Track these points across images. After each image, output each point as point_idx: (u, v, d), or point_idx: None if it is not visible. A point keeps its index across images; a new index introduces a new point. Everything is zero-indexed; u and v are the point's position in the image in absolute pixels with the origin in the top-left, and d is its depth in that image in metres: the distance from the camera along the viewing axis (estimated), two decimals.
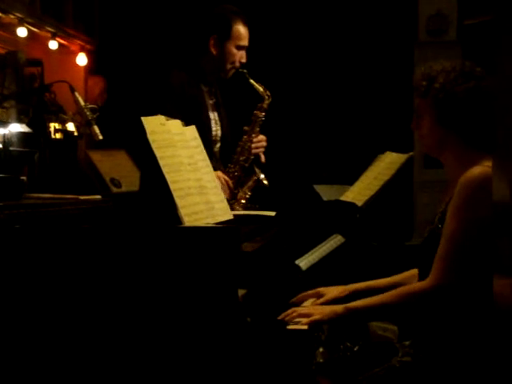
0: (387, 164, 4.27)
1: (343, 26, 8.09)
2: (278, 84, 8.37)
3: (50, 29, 7.89)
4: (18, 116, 6.72)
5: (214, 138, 4.05)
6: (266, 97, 3.95)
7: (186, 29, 4.43)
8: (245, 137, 3.92)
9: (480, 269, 2.35)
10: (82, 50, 8.51)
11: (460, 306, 2.37)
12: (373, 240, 4.27)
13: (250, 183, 3.87)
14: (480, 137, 2.49)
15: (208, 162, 2.77)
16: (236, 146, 3.93)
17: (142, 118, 2.46)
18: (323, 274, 3.38)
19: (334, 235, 3.92)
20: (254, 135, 3.92)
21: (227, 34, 3.85)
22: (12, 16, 7.26)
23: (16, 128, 6.07)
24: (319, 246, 3.64)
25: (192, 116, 3.73)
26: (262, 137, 3.96)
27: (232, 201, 3.75)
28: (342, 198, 4.26)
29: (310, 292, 2.67)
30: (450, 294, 2.35)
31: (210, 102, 4.00)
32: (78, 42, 8.48)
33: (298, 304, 2.63)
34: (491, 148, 2.46)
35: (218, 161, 4.07)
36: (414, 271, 2.72)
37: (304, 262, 3.25)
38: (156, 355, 2.11)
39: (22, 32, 7.36)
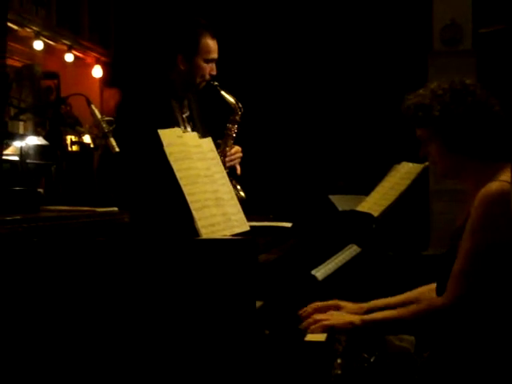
0: (403, 174, 4.26)
1: (358, 36, 8.10)
2: (296, 95, 8.42)
3: (65, 41, 7.96)
4: (35, 129, 6.78)
5: None
6: (238, 109, 3.90)
7: (154, 44, 4.36)
8: (218, 150, 3.87)
9: (497, 286, 2.33)
10: (98, 62, 8.57)
11: (477, 322, 2.35)
12: (389, 250, 4.26)
13: None
14: (492, 149, 2.46)
15: (224, 173, 2.77)
16: None
17: (159, 131, 2.47)
18: (339, 284, 3.37)
19: (350, 245, 3.91)
20: (227, 148, 3.87)
21: (195, 50, 3.77)
22: (28, 29, 7.32)
23: (33, 141, 6.14)
24: (335, 256, 3.63)
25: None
26: (236, 148, 3.90)
27: None
28: (358, 209, 4.25)
29: (328, 303, 2.65)
30: (467, 311, 2.32)
31: (183, 115, 3.93)
32: (94, 54, 8.54)
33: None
34: (507, 155, 2.45)
35: None
36: (430, 286, 2.71)
37: (320, 273, 3.24)
38: (174, 369, 2.12)
39: (38, 45, 7.43)
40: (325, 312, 2.56)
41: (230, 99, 3.88)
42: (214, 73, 3.82)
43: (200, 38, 3.74)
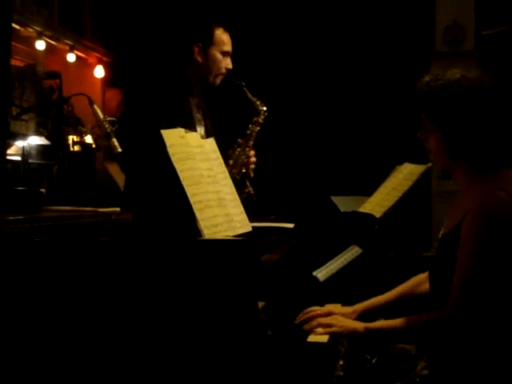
0: (405, 175, 4.26)
1: (361, 37, 8.10)
2: (298, 94, 8.42)
3: (68, 41, 7.96)
4: (37, 129, 6.78)
5: None
6: (263, 112, 3.92)
7: (168, 40, 4.37)
8: (238, 149, 3.87)
9: (500, 295, 2.32)
10: (100, 62, 8.57)
11: (480, 329, 2.34)
12: (391, 251, 4.25)
13: (242, 196, 3.84)
14: (490, 159, 2.42)
15: (227, 174, 2.77)
16: (227, 157, 3.88)
17: (162, 131, 2.47)
18: (341, 285, 3.37)
19: (352, 246, 3.90)
20: (247, 149, 3.89)
21: (209, 40, 3.81)
22: (30, 29, 7.33)
23: (35, 141, 6.14)
24: (337, 257, 3.63)
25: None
26: (253, 152, 3.93)
27: None
28: (360, 210, 4.24)
29: (321, 311, 2.63)
30: (470, 321, 2.31)
31: (198, 115, 3.95)
32: (96, 54, 8.54)
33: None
34: (503, 165, 2.42)
35: None
36: (420, 277, 2.70)
37: (322, 274, 3.24)
38: (177, 369, 2.11)
39: (40, 45, 7.43)
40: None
41: (256, 101, 3.90)
42: (230, 66, 3.84)
43: (214, 30, 3.78)
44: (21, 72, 7.14)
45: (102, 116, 3.45)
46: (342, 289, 3.24)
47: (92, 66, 8.55)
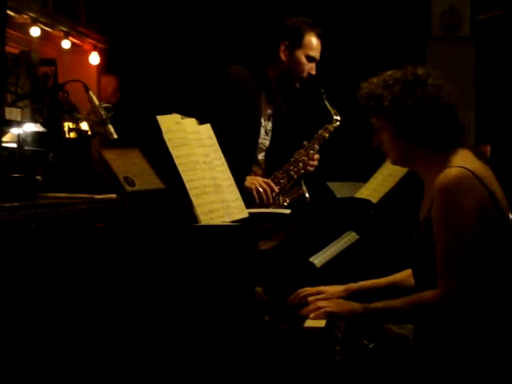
0: None
1: (356, 22, 8.07)
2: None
3: (62, 28, 7.92)
4: (33, 115, 6.75)
5: (260, 146, 4.03)
6: (335, 120, 3.96)
7: (255, 32, 4.41)
8: (302, 150, 3.91)
9: (487, 267, 2.34)
10: (95, 48, 8.53)
11: (472, 309, 2.36)
12: (387, 237, 4.26)
13: (294, 195, 3.88)
14: (441, 139, 2.48)
15: (223, 160, 2.77)
16: (290, 156, 3.92)
17: (158, 117, 2.47)
18: (337, 271, 3.37)
19: (348, 232, 3.91)
20: (311, 152, 3.92)
21: (298, 42, 3.83)
22: (25, 16, 7.29)
23: (30, 128, 6.11)
24: (333, 243, 3.64)
25: (244, 118, 3.73)
26: (317, 156, 3.96)
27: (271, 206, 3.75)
28: (357, 195, 4.25)
29: (310, 290, 2.65)
30: (462, 300, 2.33)
31: (268, 110, 3.98)
32: (91, 41, 8.50)
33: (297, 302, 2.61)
34: (455, 143, 2.48)
35: (262, 169, 4.07)
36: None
37: (318, 260, 3.24)
38: (173, 354, 2.11)
39: (35, 32, 7.39)
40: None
41: (331, 110, 3.99)
42: (314, 72, 3.89)
43: (305, 33, 3.81)
44: (16, 59, 7.10)
45: (97, 102, 3.45)
46: (338, 275, 3.25)
47: (87, 53, 8.51)
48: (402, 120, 2.48)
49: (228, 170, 2.77)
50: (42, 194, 2.90)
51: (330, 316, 2.38)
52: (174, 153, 2.44)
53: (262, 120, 3.93)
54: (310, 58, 3.87)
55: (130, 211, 2.75)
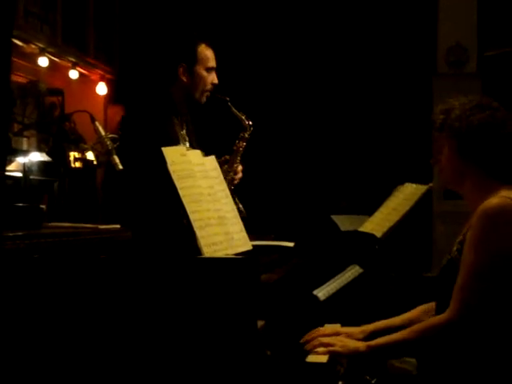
0: (406, 195, 4.26)
1: (363, 57, 8.11)
2: (300, 113, 8.44)
3: (70, 58, 7.98)
4: (39, 145, 6.78)
5: None
6: (248, 127, 3.90)
7: (155, 59, 4.36)
8: (225, 166, 3.86)
9: (502, 300, 2.33)
10: (102, 79, 8.59)
11: (480, 339, 2.35)
12: (391, 271, 4.24)
13: None
14: (498, 167, 2.48)
15: (227, 192, 2.76)
16: None
17: (163, 149, 2.47)
18: (341, 304, 3.35)
19: (352, 266, 3.89)
20: (235, 165, 3.87)
21: (194, 59, 3.77)
22: (33, 46, 7.35)
23: (36, 157, 6.14)
24: (337, 276, 3.62)
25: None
26: (240, 168, 3.91)
27: None
28: (361, 229, 4.24)
29: (328, 331, 2.62)
30: (471, 326, 2.32)
31: (182, 132, 3.92)
32: (99, 71, 8.56)
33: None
34: (510, 178, 2.46)
35: None
36: (428, 306, 2.69)
37: (322, 293, 3.23)
38: None
39: (43, 62, 7.45)
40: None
41: (241, 116, 3.88)
42: (216, 81, 3.82)
43: (197, 48, 3.75)
44: (23, 88, 7.15)
45: (103, 133, 3.45)
46: (342, 308, 3.23)
47: (95, 83, 8.57)
48: (464, 136, 2.48)
49: (232, 201, 2.76)
50: (47, 223, 2.90)
51: (334, 354, 2.36)
52: (178, 184, 2.44)
53: (181, 144, 3.86)
54: (209, 70, 3.81)
55: (135, 242, 2.75)
